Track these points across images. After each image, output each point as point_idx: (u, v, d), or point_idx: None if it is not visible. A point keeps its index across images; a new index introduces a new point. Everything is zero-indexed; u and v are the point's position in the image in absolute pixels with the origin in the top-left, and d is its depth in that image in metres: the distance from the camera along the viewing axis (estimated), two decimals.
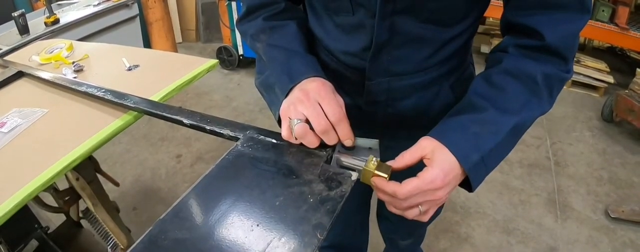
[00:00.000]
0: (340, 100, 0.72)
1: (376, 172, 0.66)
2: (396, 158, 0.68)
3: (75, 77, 1.37)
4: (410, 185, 0.64)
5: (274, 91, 0.80)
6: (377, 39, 0.78)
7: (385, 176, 0.66)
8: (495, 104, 0.69)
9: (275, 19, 0.89)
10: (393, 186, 0.65)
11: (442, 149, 0.65)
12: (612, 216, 2.20)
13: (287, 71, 0.77)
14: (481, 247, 2.09)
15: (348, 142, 0.70)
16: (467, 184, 0.69)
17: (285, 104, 0.73)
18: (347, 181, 0.64)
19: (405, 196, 0.64)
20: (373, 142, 0.72)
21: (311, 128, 0.69)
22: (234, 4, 3.58)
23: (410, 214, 0.68)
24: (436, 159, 0.65)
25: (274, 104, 0.80)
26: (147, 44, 4.06)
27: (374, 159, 0.67)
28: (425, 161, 0.67)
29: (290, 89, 0.74)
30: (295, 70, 0.76)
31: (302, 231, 0.56)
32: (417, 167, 0.67)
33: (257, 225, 0.57)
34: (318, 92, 0.70)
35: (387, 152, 0.74)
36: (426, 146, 0.67)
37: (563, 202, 2.35)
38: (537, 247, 2.08)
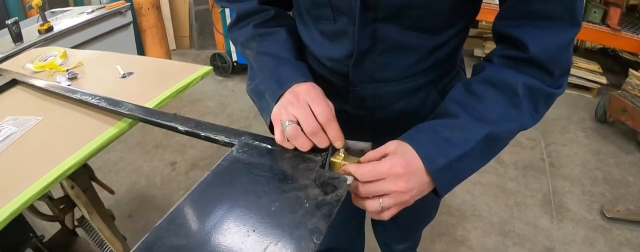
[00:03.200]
0: (330, 102, 0.72)
1: (344, 162, 0.68)
2: (361, 158, 0.69)
3: (69, 85, 1.36)
4: (368, 165, 0.64)
5: (265, 98, 0.80)
6: (358, 46, 0.78)
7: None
8: (470, 111, 0.68)
9: (266, 26, 0.89)
10: (354, 167, 0.65)
11: (406, 146, 0.65)
12: (608, 216, 2.21)
13: (276, 78, 0.77)
14: (477, 250, 2.09)
15: (338, 144, 0.70)
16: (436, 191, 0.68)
17: (276, 108, 0.73)
18: (342, 185, 0.64)
19: (363, 176, 0.64)
20: (366, 145, 0.72)
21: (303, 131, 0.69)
22: (227, 11, 3.58)
23: (370, 206, 0.66)
24: (398, 151, 0.65)
25: (265, 111, 0.80)
26: (141, 51, 4.06)
27: (341, 150, 0.69)
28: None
29: (280, 95, 0.74)
30: (284, 77, 0.76)
31: (298, 235, 0.56)
32: None
33: (253, 230, 0.57)
34: (308, 94, 0.70)
35: None
36: (389, 145, 0.67)
37: (558, 203, 2.35)
38: (534, 249, 2.08)
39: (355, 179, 0.66)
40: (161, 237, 0.58)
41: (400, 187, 0.63)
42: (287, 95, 0.72)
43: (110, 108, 1.07)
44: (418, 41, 0.78)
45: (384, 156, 0.66)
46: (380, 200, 0.65)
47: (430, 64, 0.84)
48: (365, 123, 0.94)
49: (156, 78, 1.39)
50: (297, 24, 0.93)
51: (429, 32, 0.77)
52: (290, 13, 0.97)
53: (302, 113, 0.68)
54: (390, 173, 0.63)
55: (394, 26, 0.75)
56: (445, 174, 0.65)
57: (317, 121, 0.68)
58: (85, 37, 3.04)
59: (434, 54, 0.82)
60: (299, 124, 0.69)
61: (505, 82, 0.69)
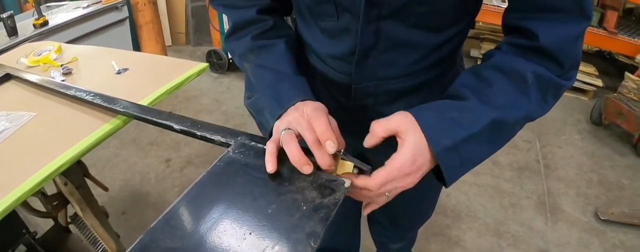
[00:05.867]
0: (334, 122, 0.71)
1: (346, 171, 0.68)
2: (368, 136, 0.68)
3: (63, 80, 1.35)
4: (380, 176, 0.64)
5: (264, 115, 0.78)
6: (361, 43, 0.78)
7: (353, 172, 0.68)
8: (479, 95, 0.69)
9: (264, 37, 0.87)
10: (363, 181, 0.65)
11: (415, 128, 0.64)
12: (602, 218, 2.22)
13: (276, 96, 0.75)
14: (472, 251, 2.09)
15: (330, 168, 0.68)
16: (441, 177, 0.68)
17: (278, 122, 0.71)
18: (340, 188, 0.63)
19: (378, 187, 0.64)
20: (366, 167, 0.69)
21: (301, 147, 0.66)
22: None
23: (379, 202, 0.69)
24: (407, 141, 0.64)
25: (264, 126, 0.78)
26: (137, 47, 4.04)
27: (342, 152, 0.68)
28: (398, 140, 0.66)
29: (280, 115, 0.72)
30: (284, 95, 0.75)
31: (295, 239, 0.55)
32: (387, 147, 0.68)
33: (250, 233, 0.56)
34: (313, 112, 0.68)
35: (376, 155, 0.73)
36: (400, 123, 0.66)
37: (553, 204, 2.36)
38: (528, 250, 2.09)
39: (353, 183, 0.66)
40: (156, 239, 0.57)
41: (408, 182, 0.65)
42: (292, 112, 0.70)
43: (104, 105, 1.06)
44: (421, 39, 0.78)
45: (391, 135, 0.66)
46: (387, 194, 0.67)
47: (432, 62, 0.84)
48: (365, 121, 0.93)
49: (151, 74, 1.38)
50: (297, 22, 0.92)
51: (432, 30, 0.77)
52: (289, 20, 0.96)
53: (304, 128, 0.66)
54: (401, 174, 0.64)
55: (397, 23, 0.75)
56: (451, 156, 0.65)
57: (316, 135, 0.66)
58: (81, 32, 3.02)
59: (436, 52, 0.82)
60: (298, 136, 0.67)
61: (515, 69, 0.70)
